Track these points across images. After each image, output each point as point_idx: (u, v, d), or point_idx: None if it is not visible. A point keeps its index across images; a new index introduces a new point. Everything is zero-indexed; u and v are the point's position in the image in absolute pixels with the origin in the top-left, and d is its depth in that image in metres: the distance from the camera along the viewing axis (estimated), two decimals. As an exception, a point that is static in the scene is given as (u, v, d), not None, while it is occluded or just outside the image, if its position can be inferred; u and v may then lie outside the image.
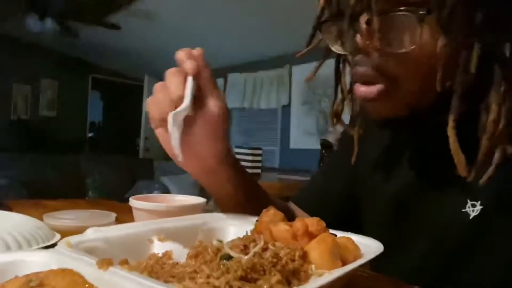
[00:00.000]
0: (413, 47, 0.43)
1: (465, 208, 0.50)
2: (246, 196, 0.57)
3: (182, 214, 0.53)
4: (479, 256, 0.50)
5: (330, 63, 0.57)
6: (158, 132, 0.49)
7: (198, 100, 0.47)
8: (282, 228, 0.41)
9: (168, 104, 0.46)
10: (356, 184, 0.67)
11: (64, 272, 0.27)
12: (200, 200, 0.66)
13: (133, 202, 0.60)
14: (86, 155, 5.08)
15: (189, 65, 0.46)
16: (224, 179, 0.54)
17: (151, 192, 4.06)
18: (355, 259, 0.38)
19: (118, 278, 0.29)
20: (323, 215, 0.49)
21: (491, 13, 0.43)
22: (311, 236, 0.39)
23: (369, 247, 0.41)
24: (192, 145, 0.48)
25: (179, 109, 0.44)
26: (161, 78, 0.49)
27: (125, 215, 0.76)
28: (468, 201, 0.50)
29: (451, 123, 0.45)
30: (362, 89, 0.48)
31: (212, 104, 0.47)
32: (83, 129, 5.69)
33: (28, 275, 0.28)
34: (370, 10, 0.43)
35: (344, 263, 0.36)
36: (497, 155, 0.44)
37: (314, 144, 3.58)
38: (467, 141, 0.44)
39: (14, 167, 3.74)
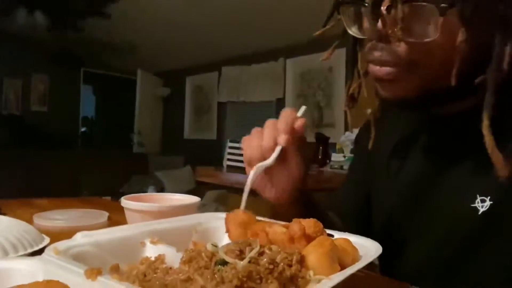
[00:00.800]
0: (432, 38, 0.43)
1: (474, 203, 0.50)
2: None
3: (175, 215, 0.52)
4: (486, 252, 0.49)
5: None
6: (247, 168, 0.54)
7: (283, 153, 0.52)
8: (278, 230, 0.39)
9: (258, 150, 0.52)
10: (369, 181, 0.67)
11: (50, 284, 0.26)
12: (194, 199, 0.64)
13: (125, 202, 0.59)
14: (79, 151, 5.03)
15: (282, 139, 0.50)
16: (291, 209, 0.59)
17: (145, 187, 4.05)
18: (353, 262, 0.37)
19: (107, 289, 0.27)
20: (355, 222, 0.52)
21: None
22: (308, 238, 0.38)
23: (367, 248, 0.40)
24: (271, 182, 0.56)
25: (264, 163, 0.51)
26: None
27: (118, 214, 0.75)
28: (478, 196, 0.49)
29: (486, 122, 0.44)
30: (376, 69, 0.49)
31: (294, 163, 0.53)
32: (75, 124, 5.61)
33: None
34: None
35: (343, 267, 0.35)
36: None
37: (309, 137, 3.56)
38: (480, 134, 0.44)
39: (5, 163, 3.70)
